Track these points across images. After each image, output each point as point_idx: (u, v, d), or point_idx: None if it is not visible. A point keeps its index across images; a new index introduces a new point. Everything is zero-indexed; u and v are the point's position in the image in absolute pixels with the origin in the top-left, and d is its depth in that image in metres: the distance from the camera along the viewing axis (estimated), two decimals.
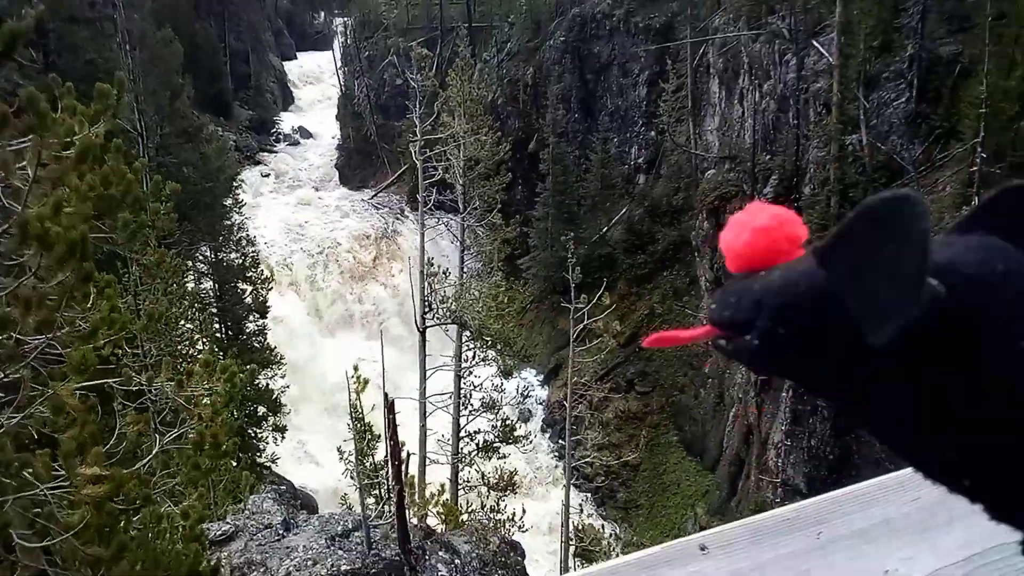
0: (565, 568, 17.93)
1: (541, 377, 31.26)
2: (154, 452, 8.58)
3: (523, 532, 16.48)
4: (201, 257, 26.29)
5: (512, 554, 13.28)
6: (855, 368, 0.46)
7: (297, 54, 60.30)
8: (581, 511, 23.51)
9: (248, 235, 28.28)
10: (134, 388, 9.17)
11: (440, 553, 12.23)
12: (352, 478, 12.73)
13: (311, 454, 27.30)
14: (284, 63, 56.28)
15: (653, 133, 33.29)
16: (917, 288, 0.43)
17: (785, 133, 25.12)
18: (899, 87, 22.22)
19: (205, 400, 8.74)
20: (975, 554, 1.12)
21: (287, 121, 50.32)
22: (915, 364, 0.45)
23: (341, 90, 47.31)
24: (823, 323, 0.46)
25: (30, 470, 6.24)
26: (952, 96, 21.02)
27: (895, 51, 22.60)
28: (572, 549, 17.81)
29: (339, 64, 48.94)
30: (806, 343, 0.47)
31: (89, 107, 6.96)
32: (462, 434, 20.14)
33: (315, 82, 56.76)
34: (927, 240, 0.43)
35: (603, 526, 22.58)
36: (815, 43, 24.27)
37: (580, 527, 18.45)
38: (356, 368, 12.15)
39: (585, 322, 18.50)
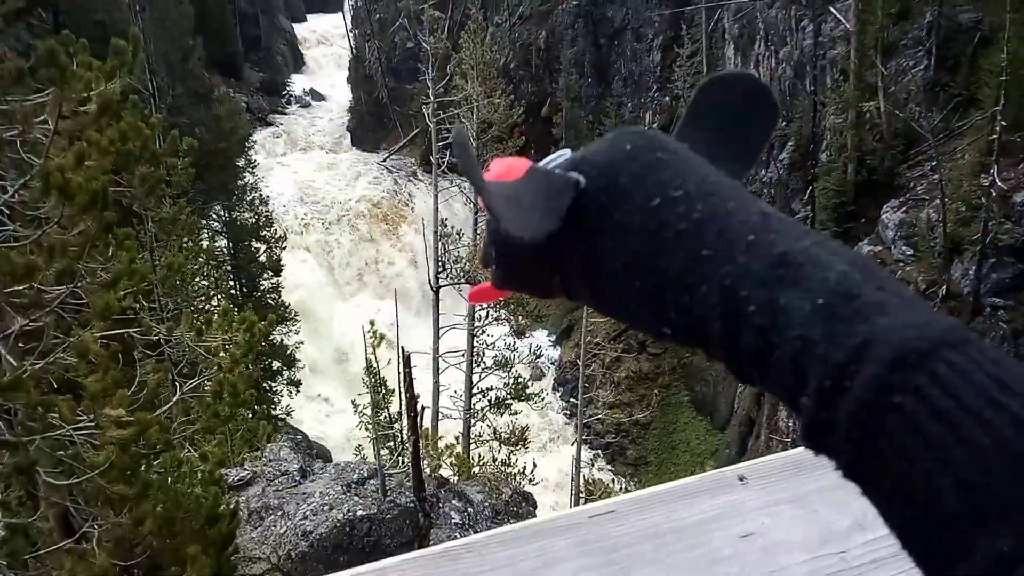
0: None
1: (554, 337, 31.39)
2: (173, 400, 8.76)
3: (534, 485, 16.70)
4: (215, 216, 26.44)
5: (524, 504, 13.50)
6: (550, 259, 0.58)
7: (307, 16, 59.86)
8: (592, 466, 23.75)
9: (261, 195, 28.39)
10: (153, 338, 9.35)
11: (453, 501, 12.46)
12: (367, 430, 12.95)
13: (325, 409, 27.71)
14: (294, 25, 55.90)
15: (667, 98, 33.01)
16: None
17: (802, 99, 24.93)
18: (917, 54, 21.98)
19: (222, 352, 8.90)
20: None
21: (298, 83, 50.06)
22: (581, 241, 0.55)
23: (352, 52, 46.99)
24: (506, 238, 0.60)
25: (55, 413, 6.41)
26: (971, 64, 20.75)
27: (913, 18, 22.32)
28: (582, 502, 18.05)
29: (349, 26, 48.57)
30: (513, 255, 0.61)
31: (104, 64, 7.02)
32: (475, 391, 20.31)
33: (326, 44, 56.39)
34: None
35: (613, 480, 22.81)
36: (832, 9, 23.99)
37: (590, 481, 18.67)
38: (372, 323, 12.31)
39: None
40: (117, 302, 6.79)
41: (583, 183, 0.54)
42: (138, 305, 11.69)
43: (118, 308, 6.71)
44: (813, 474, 1.19)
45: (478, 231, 22.04)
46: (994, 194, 17.58)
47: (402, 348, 10.86)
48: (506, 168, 0.65)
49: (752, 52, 28.20)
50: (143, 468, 6.80)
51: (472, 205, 22.17)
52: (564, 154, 0.60)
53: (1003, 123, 17.31)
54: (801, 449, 1.24)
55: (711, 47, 30.75)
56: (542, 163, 0.60)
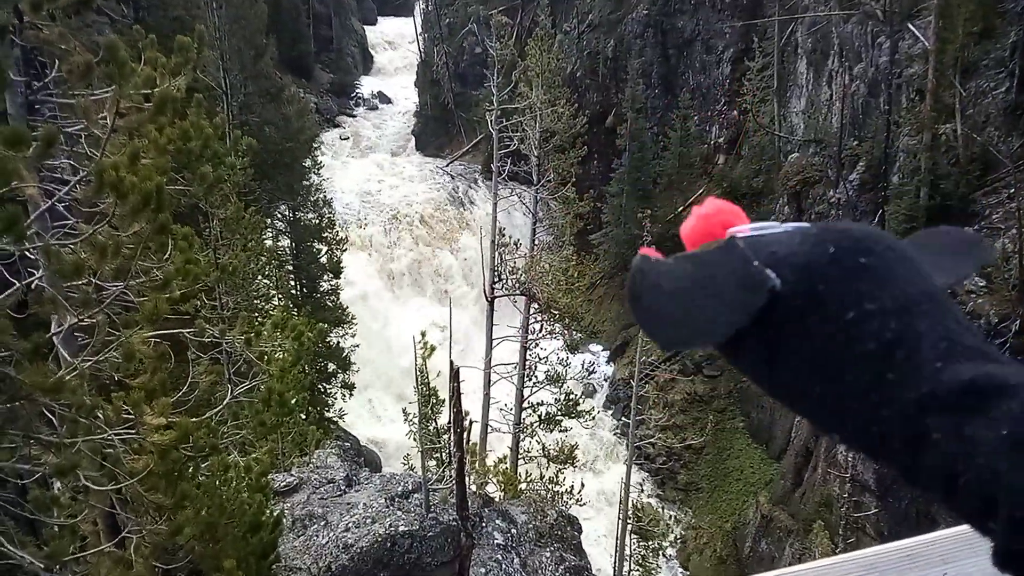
0: (622, 545, 17.88)
1: (607, 354, 31.06)
2: (226, 402, 8.73)
3: (580, 506, 16.45)
4: (279, 215, 26.74)
5: (568, 528, 13.25)
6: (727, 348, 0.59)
7: (378, 19, 60.56)
8: (641, 490, 23.33)
9: (325, 196, 28.63)
10: (207, 340, 9.35)
11: (497, 521, 12.27)
12: (415, 440, 12.84)
13: (378, 413, 27.89)
14: (365, 27, 56.57)
15: (735, 113, 32.50)
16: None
17: (875, 118, 24.21)
18: (999, 76, 21.14)
19: (277, 354, 8.86)
20: None
21: (367, 85, 50.64)
22: (763, 335, 0.55)
23: (420, 56, 47.37)
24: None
25: (100, 413, 6.37)
26: None
27: (997, 37, 21.44)
28: (629, 527, 17.72)
29: (419, 30, 48.96)
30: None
31: (168, 61, 7.00)
32: (525, 405, 20.12)
33: (395, 47, 56.96)
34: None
35: (663, 508, 22.39)
36: (911, 26, 23.27)
37: (639, 506, 18.32)
38: (424, 334, 12.19)
39: None
40: (167, 304, 6.74)
41: (778, 287, 0.54)
42: (198, 303, 11.79)
43: (167, 311, 6.66)
44: None
45: (535, 241, 21.87)
46: None
47: (452, 362, 10.71)
48: (715, 209, 0.63)
49: (825, 68, 27.56)
50: (188, 473, 6.75)
51: (531, 215, 21.99)
52: (772, 227, 0.59)
53: None
54: (878, 548, 1.10)
55: (783, 61, 30.14)
56: (746, 230, 0.59)
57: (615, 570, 18.39)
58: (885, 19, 23.99)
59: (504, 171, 21.21)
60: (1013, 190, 18.86)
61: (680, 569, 23.30)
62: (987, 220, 19.85)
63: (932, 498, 0.50)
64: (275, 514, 8.38)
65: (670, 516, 20.83)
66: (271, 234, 24.68)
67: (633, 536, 18.03)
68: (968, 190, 20.81)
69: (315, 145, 30.75)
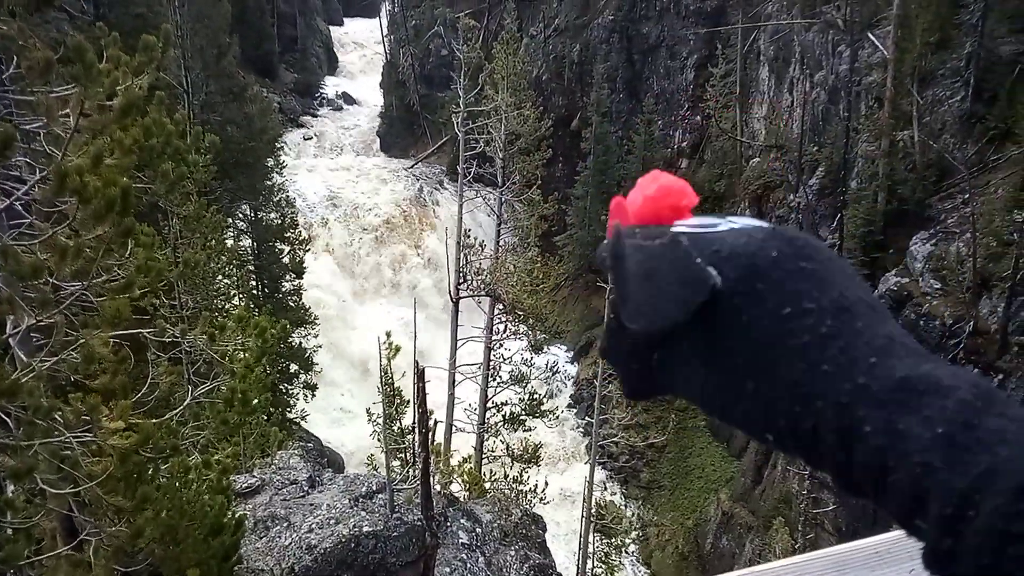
0: (586, 543, 18.01)
1: (571, 354, 31.22)
2: (186, 403, 8.65)
3: (544, 505, 16.53)
4: (241, 215, 26.45)
5: (533, 527, 13.30)
6: (658, 346, 0.59)
7: (344, 20, 60.26)
8: (604, 488, 23.49)
9: (288, 196, 28.40)
10: (167, 340, 9.25)
11: (462, 520, 12.28)
12: (379, 441, 12.80)
13: (341, 414, 27.72)
14: (331, 28, 56.27)
15: (699, 118, 32.89)
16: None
17: (834, 125, 24.65)
18: (955, 85, 21.65)
19: (240, 355, 8.78)
20: None
21: (331, 86, 50.36)
22: (699, 331, 0.55)
23: (386, 58, 47.21)
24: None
25: (59, 414, 6.29)
26: (1010, 97, 20.41)
27: (953, 48, 21.97)
28: (592, 525, 17.84)
29: (385, 32, 48.80)
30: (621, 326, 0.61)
31: (131, 60, 6.92)
32: (489, 405, 20.16)
33: (361, 49, 56.73)
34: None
35: (626, 505, 22.55)
36: (870, 35, 23.74)
37: (602, 504, 18.46)
38: (388, 335, 12.18)
39: None
40: (129, 306, 6.67)
41: (719, 284, 0.54)
42: (157, 302, 11.66)
43: (129, 313, 6.59)
44: None
45: (500, 243, 21.92)
46: None
47: (416, 362, 10.71)
48: (663, 192, 0.61)
49: (787, 75, 27.98)
50: (148, 475, 6.68)
51: (496, 217, 22.03)
52: (717, 224, 0.58)
53: None
54: (847, 546, 1.14)
55: (745, 68, 30.56)
56: (692, 224, 0.58)
57: (579, 567, 18.50)
58: (845, 28, 24.44)
59: (469, 173, 21.24)
60: (968, 195, 19.30)
61: (643, 566, 23.52)
62: (942, 224, 20.29)
63: (861, 495, 0.50)
64: (237, 516, 8.31)
65: (633, 513, 21.00)
66: (232, 234, 24.42)
67: (596, 534, 18.16)
68: (924, 195, 21.27)
69: (278, 145, 30.50)
